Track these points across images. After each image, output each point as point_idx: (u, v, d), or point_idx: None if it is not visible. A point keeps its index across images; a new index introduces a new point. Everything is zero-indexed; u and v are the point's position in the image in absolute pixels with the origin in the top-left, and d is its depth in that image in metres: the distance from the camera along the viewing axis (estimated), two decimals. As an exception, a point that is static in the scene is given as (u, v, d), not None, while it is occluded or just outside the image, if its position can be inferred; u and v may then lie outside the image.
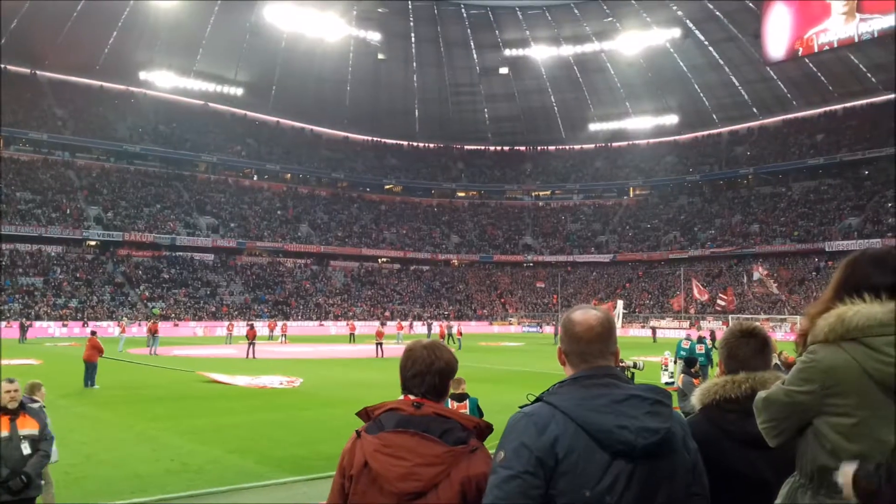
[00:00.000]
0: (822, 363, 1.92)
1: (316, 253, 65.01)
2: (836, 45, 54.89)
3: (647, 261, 66.62)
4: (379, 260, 69.25)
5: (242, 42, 66.08)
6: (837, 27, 53.50)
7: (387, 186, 77.89)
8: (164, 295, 52.94)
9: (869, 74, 61.50)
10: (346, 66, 70.95)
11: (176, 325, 48.14)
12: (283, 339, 40.45)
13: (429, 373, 2.22)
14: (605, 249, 69.80)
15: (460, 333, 38.35)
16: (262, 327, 42.63)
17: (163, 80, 65.37)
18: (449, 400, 8.32)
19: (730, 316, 50.56)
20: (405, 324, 49.24)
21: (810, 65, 62.17)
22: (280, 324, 44.19)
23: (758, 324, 2.67)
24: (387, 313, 59.05)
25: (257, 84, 69.31)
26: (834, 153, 62.07)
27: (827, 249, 54.21)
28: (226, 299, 55.40)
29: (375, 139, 79.41)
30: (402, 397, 2.20)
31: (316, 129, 75.93)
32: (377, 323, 41.78)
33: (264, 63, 67.38)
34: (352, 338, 40.20)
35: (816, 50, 55.77)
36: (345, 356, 30.36)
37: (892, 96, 60.19)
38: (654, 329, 50.72)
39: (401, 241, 70.75)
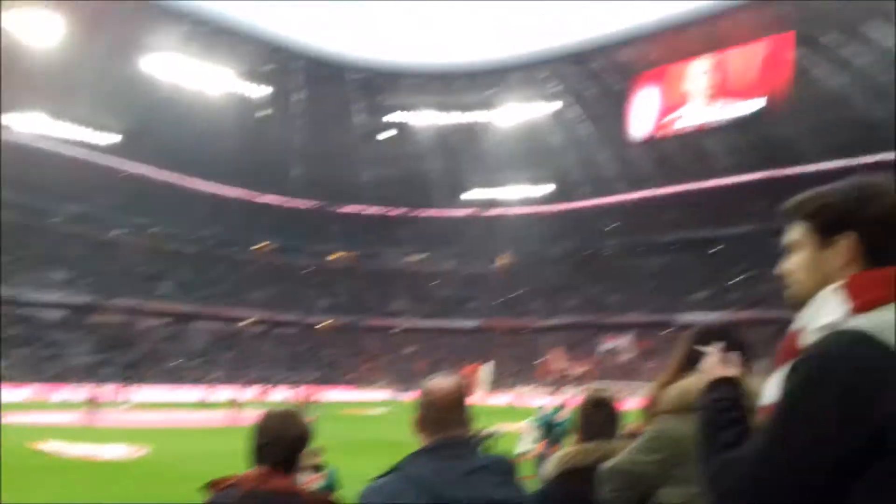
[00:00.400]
0: (667, 433, 2.02)
1: (177, 312, 61.66)
2: (695, 128, 59.00)
3: (515, 328, 67.70)
4: (243, 321, 66.57)
5: (118, 89, 63.08)
6: (697, 112, 57.64)
7: (258, 245, 75.69)
8: (4, 353, 48.24)
9: (723, 157, 66.41)
10: (227, 120, 69.21)
11: (14, 388, 43.70)
12: (131, 404, 37.63)
13: (279, 444, 2.16)
14: (474, 315, 70.44)
15: (322, 400, 37.10)
16: (109, 391, 39.44)
17: (24, 124, 61.05)
18: (305, 470, 7.61)
19: (588, 384, 51.84)
20: (266, 389, 47.02)
21: (671, 146, 66.43)
22: (128, 388, 41.17)
23: (609, 393, 2.79)
24: (247, 378, 56.41)
25: (131, 133, 66.02)
26: (688, 230, 66.07)
27: (678, 322, 56.98)
28: (71, 360, 51.16)
29: (250, 196, 77.28)
30: (251, 469, 2.14)
31: (189, 183, 72.98)
32: (237, 387, 39.79)
33: (140, 112, 64.38)
34: (208, 404, 37.97)
35: (677, 132, 59.79)
36: (200, 424, 28.70)
37: (739, 179, 65.44)
38: (517, 396, 51.13)
39: (268, 302, 68.46)
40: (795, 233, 1.46)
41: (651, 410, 2.14)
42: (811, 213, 1.43)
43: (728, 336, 2.09)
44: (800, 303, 1.42)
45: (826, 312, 1.32)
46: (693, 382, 1.99)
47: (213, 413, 33.90)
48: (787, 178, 61.37)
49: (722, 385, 1.55)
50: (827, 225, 1.39)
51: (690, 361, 2.06)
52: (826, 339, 1.27)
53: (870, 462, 1.20)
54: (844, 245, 1.37)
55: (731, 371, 1.58)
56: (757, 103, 55.47)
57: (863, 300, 1.28)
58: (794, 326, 1.39)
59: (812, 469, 1.24)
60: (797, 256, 1.45)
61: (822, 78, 55.09)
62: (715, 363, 1.63)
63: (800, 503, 1.25)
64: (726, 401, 1.49)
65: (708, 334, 2.12)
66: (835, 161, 59.38)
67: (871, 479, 1.21)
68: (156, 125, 67.02)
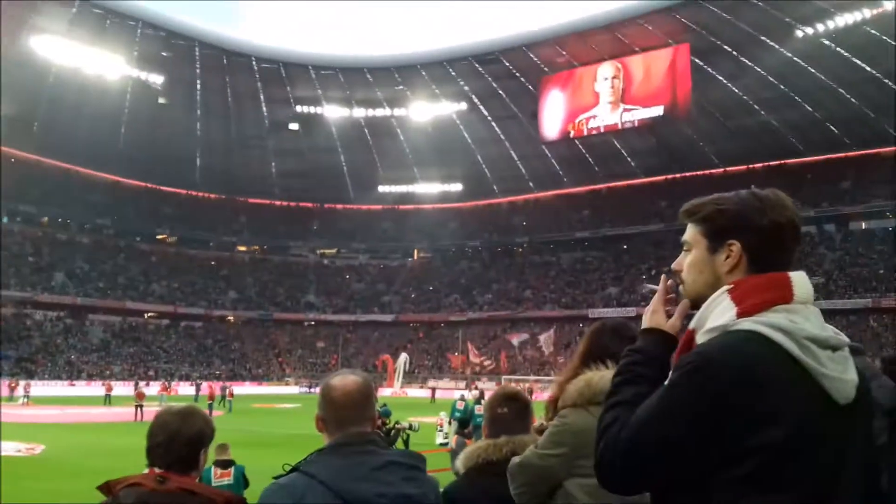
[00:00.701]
0: (572, 426, 2.07)
1: (72, 305, 58.75)
2: (602, 131, 60.62)
3: (429, 322, 67.85)
4: (145, 314, 64.04)
5: (3, 72, 59.12)
6: (604, 115, 59.18)
7: (160, 236, 72.89)
8: None
9: (629, 159, 68.40)
10: (123, 107, 65.93)
11: None
12: (26, 399, 35.59)
13: (176, 442, 2.07)
14: (388, 310, 70.15)
15: (232, 395, 36.09)
16: (0, 387, 37.21)
17: None
18: (213, 467, 7.22)
19: (503, 377, 52.50)
20: (171, 384, 45.40)
21: (580, 146, 67.90)
22: (23, 383, 38.91)
23: (519, 388, 2.88)
24: (150, 372, 54.38)
25: (18, 119, 61.98)
26: (598, 228, 67.75)
27: (590, 316, 58.32)
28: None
29: (150, 186, 74.19)
30: (147, 470, 2.04)
31: (83, 170, 69.31)
32: (139, 382, 38.28)
33: (28, 97, 60.55)
34: (108, 399, 36.30)
35: (585, 133, 61.16)
36: (99, 419, 27.50)
37: (647, 180, 67.79)
38: (433, 389, 51.27)
39: (172, 294, 66.09)
40: (689, 234, 1.53)
41: (555, 404, 2.18)
42: (704, 217, 1.50)
43: (628, 331, 2.22)
44: (696, 302, 1.48)
45: (716, 315, 1.39)
46: (596, 376, 2.08)
47: (112, 409, 32.51)
48: (691, 179, 64.17)
49: (648, 336, 1.54)
50: (717, 230, 1.47)
51: (593, 356, 2.15)
52: (715, 338, 1.35)
53: (740, 458, 1.27)
54: (731, 251, 1.45)
55: (661, 320, 1.54)
56: (659, 109, 57.42)
57: (747, 304, 1.37)
58: (690, 325, 1.46)
59: (681, 455, 1.31)
60: (689, 257, 1.52)
61: (720, 87, 57.52)
62: (650, 309, 1.58)
63: (665, 480, 1.36)
64: (641, 354, 1.50)
65: (611, 330, 2.26)
66: (734, 166, 62.70)
67: (738, 476, 1.28)
68: (46, 111, 63.29)
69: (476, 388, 31.16)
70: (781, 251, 1.44)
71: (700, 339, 1.39)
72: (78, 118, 62.72)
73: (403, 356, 56.12)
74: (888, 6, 45.14)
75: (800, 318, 1.36)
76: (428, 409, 33.38)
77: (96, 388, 44.06)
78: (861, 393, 1.37)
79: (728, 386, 1.28)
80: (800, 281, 1.41)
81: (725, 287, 1.42)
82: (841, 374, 1.35)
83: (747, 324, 1.34)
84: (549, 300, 63.88)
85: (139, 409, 26.74)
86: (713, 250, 1.47)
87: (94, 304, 60.39)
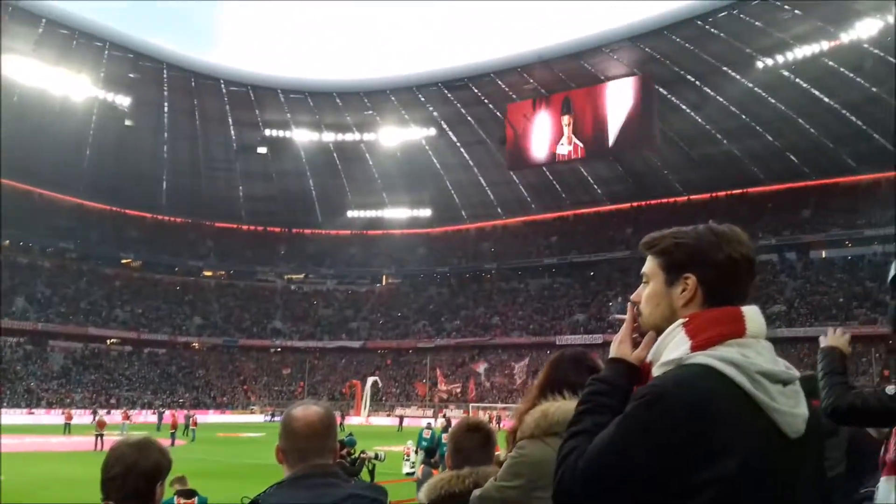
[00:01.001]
0: (529, 457, 2.06)
1: (32, 331, 57.41)
2: (568, 158, 61.26)
3: (397, 348, 67.44)
4: (108, 341, 62.79)
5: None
6: (570, 143, 59.86)
7: (124, 261, 71.72)
8: None
9: (595, 186, 69.18)
10: (89, 129, 65.07)
11: None
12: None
13: (132, 474, 2.01)
14: (355, 336, 69.63)
15: (195, 423, 35.41)
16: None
17: None
18: (175, 497, 7.05)
19: (470, 405, 52.33)
20: (132, 412, 44.46)
21: (547, 174, 68.54)
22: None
23: (486, 417, 2.69)
24: (112, 400, 53.21)
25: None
26: (566, 254, 68.20)
27: (557, 343, 58.41)
28: None
29: (115, 209, 73.14)
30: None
31: (46, 193, 68.13)
32: (101, 411, 37.44)
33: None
34: (67, 428, 35.48)
35: (554, 160, 61.77)
36: (58, 449, 26.91)
37: (613, 207, 68.63)
38: (400, 417, 50.83)
39: (135, 320, 64.92)
40: (648, 266, 1.56)
41: (514, 435, 2.18)
42: (662, 250, 1.53)
43: (587, 361, 2.25)
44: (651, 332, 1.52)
45: (671, 348, 1.42)
46: (552, 407, 2.07)
47: (72, 438, 31.70)
48: (656, 207, 65.13)
49: (613, 366, 1.55)
50: (674, 264, 1.50)
51: (552, 386, 2.15)
52: (670, 371, 1.38)
53: (694, 490, 1.29)
54: (687, 284, 1.47)
55: (627, 351, 1.55)
56: (624, 138, 58.17)
57: (701, 338, 1.39)
58: (647, 358, 1.49)
59: (636, 486, 1.33)
60: (648, 288, 1.55)
61: (684, 116, 58.59)
62: (617, 339, 1.58)
63: None
64: (605, 384, 1.51)
65: (570, 360, 2.27)
66: (698, 194, 63.82)
67: None
68: (9, 132, 61.95)
69: (444, 416, 30.97)
70: (736, 286, 1.47)
71: (656, 371, 1.42)
72: (42, 139, 61.71)
73: (371, 379, 55.70)
74: (845, 39, 46.50)
75: (752, 352, 1.39)
76: (395, 437, 33.06)
77: (56, 417, 42.98)
78: (811, 427, 1.40)
79: (682, 419, 1.30)
80: (752, 315, 1.44)
81: (680, 320, 1.45)
82: (791, 408, 1.37)
83: (701, 357, 1.36)
84: (518, 327, 63.96)
85: (99, 438, 26.15)
86: (670, 283, 1.50)
87: (56, 330, 59.12)
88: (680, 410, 1.30)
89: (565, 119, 59.25)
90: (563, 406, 2.04)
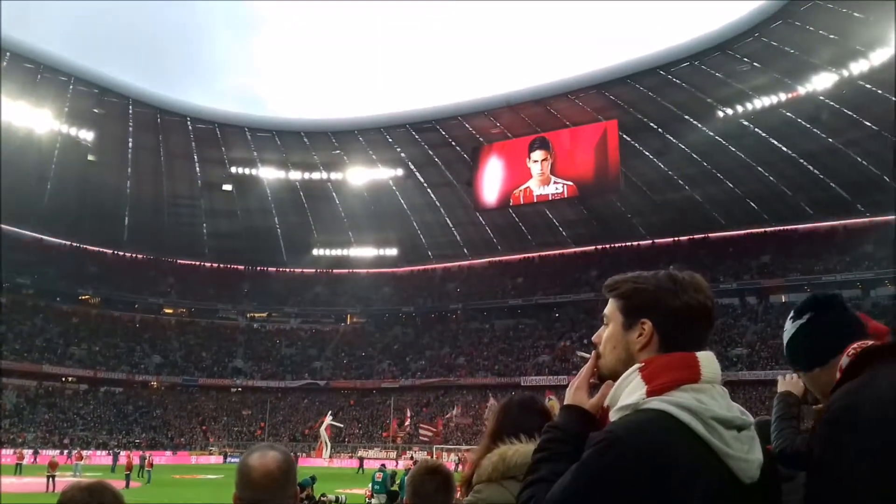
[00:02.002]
0: (486, 501, 2.05)
1: (-18, 368, 55.69)
2: (534, 201, 61.94)
3: (360, 388, 66.69)
4: (63, 379, 61.10)
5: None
6: (536, 186, 60.61)
7: (82, 297, 70.22)
8: None
9: (561, 229, 69.92)
10: (50, 163, 64.12)
11: None
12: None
13: None
14: (318, 375, 68.73)
15: (151, 465, 34.49)
16: None
17: None
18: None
19: (435, 447, 51.71)
20: (86, 453, 43.16)
21: (513, 215, 69.12)
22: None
23: (446, 458, 2.62)
24: (66, 440, 51.62)
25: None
26: (531, 295, 68.48)
27: (522, 384, 58.32)
28: None
29: (75, 244, 71.87)
30: None
31: (4, 227, 66.53)
32: (52, 452, 36.29)
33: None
34: (18, 469, 34.31)
35: (520, 202, 62.38)
36: (8, 490, 25.87)
37: (578, 249, 69.39)
38: (361, 459, 50.08)
39: (92, 358, 63.36)
40: (608, 308, 1.58)
41: (469, 481, 2.18)
42: (622, 294, 1.55)
43: (535, 405, 2.28)
44: (612, 376, 1.53)
45: (627, 393, 1.44)
46: (510, 450, 2.07)
47: (23, 479, 30.64)
48: (620, 250, 66.04)
49: (568, 413, 1.56)
50: (632, 308, 1.52)
51: (503, 432, 2.15)
52: (625, 417, 1.39)
53: None
54: (644, 329, 1.49)
55: (583, 398, 1.57)
56: (588, 182, 59.05)
57: (656, 384, 1.41)
58: (605, 402, 1.51)
59: None
60: (607, 331, 1.57)
61: (647, 162, 59.73)
62: (573, 385, 1.61)
63: None
64: (560, 431, 1.53)
65: (518, 406, 2.27)
66: (661, 238, 64.90)
67: None
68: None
69: (410, 457, 30.59)
70: (692, 332, 1.49)
71: (613, 416, 1.43)
72: (2, 173, 60.54)
73: (331, 420, 54.81)
74: (802, 91, 48.06)
75: (706, 397, 1.40)
76: (356, 479, 32.51)
77: (7, 457, 41.56)
78: (766, 472, 1.40)
79: (637, 465, 1.30)
80: (707, 361, 1.45)
81: (637, 365, 1.47)
82: (745, 454, 1.38)
83: (656, 402, 1.38)
84: (483, 367, 63.74)
85: (51, 479, 25.34)
86: (627, 326, 1.52)
87: (9, 367, 57.36)
88: (634, 457, 1.30)
89: (532, 161, 60.03)
90: (521, 449, 2.03)
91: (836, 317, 2.02)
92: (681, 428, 1.34)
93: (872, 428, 1.20)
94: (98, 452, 48.97)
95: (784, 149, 53.85)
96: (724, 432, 1.36)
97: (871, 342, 1.71)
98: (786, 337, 2.10)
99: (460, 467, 42.95)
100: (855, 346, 1.68)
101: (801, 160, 54.01)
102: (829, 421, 1.31)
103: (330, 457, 53.24)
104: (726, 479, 1.34)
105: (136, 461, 33.89)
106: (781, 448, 2.45)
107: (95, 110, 59.51)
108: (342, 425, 57.36)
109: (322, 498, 10.85)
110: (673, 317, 1.47)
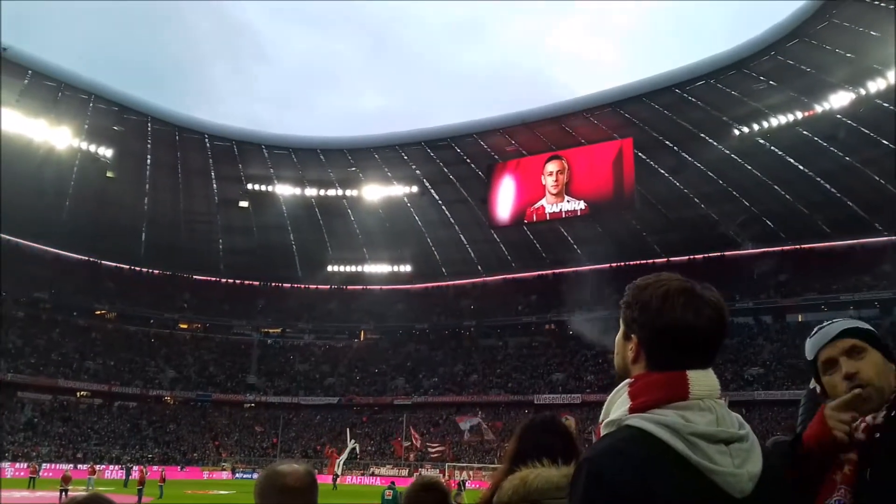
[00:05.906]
0: None
1: (0, 381, 56.07)
2: (548, 219, 61.82)
3: (373, 405, 66.51)
4: (78, 393, 61.42)
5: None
6: (550, 204, 60.53)
7: (99, 312, 70.71)
8: None
9: (575, 246, 69.71)
10: (69, 179, 64.85)
11: None
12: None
13: None
14: (331, 392, 68.66)
15: (163, 479, 34.49)
16: None
17: None
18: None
19: (447, 464, 51.44)
20: (99, 467, 43.24)
21: (528, 233, 69.03)
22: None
23: (439, 478, 2.83)
24: (79, 454, 51.80)
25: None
26: (545, 313, 68.19)
27: (536, 402, 58.02)
28: None
29: (92, 260, 72.55)
30: None
31: (23, 242, 67.49)
32: (66, 465, 36.41)
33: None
34: (32, 482, 34.41)
35: (535, 220, 62.30)
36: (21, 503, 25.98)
37: (593, 267, 69.00)
38: (375, 475, 49.91)
39: (107, 373, 63.70)
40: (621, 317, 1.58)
41: (489, 500, 2.14)
42: (623, 303, 1.55)
43: (557, 427, 2.27)
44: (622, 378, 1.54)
45: (616, 407, 1.45)
46: (532, 474, 2.04)
47: (36, 493, 30.74)
48: (635, 268, 65.59)
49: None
50: (626, 320, 1.53)
51: (525, 454, 2.13)
52: (605, 437, 1.41)
53: None
54: (633, 343, 1.50)
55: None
56: (604, 200, 58.88)
57: (638, 401, 1.41)
58: (601, 417, 1.51)
59: None
60: (618, 335, 1.58)
61: (662, 180, 59.53)
62: None
63: None
64: None
65: (540, 427, 2.26)
66: (676, 256, 64.51)
67: None
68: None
69: (421, 474, 30.44)
70: (677, 353, 1.45)
71: (602, 430, 1.45)
72: (21, 189, 61.34)
73: (352, 444, 54.85)
74: (818, 109, 47.81)
75: (693, 414, 1.38)
76: (368, 495, 32.34)
77: (21, 470, 41.78)
78: (763, 484, 1.37)
79: (617, 488, 1.29)
80: (698, 378, 1.43)
81: (627, 381, 1.48)
82: (736, 467, 1.35)
83: (635, 420, 1.38)
84: (496, 385, 63.47)
85: (64, 493, 25.43)
86: (626, 337, 1.53)
87: (25, 382, 57.83)
88: (612, 481, 1.30)
89: (546, 174, 59.97)
90: (543, 474, 2.01)
91: None
92: (660, 445, 1.32)
93: None
94: (111, 467, 49.06)
95: (801, 167, 53.55)
96: (708, 447, 1.34)
97: None
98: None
99: (468, 484, 42.60)
100: None
101: (819, 178, 53.67)
102: None
103: (340, 476, 53.03)
104: (712, 494, 1.31)
105: (148, 476, 33.95)
106: (802, 424, 2.42)
107: (115, 128, 60.21)
108: (357, 448, 56.92)
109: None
110: (656, 336, 1.46)
